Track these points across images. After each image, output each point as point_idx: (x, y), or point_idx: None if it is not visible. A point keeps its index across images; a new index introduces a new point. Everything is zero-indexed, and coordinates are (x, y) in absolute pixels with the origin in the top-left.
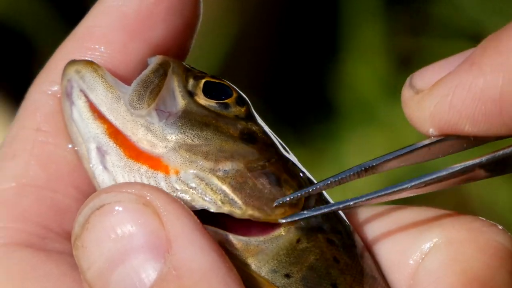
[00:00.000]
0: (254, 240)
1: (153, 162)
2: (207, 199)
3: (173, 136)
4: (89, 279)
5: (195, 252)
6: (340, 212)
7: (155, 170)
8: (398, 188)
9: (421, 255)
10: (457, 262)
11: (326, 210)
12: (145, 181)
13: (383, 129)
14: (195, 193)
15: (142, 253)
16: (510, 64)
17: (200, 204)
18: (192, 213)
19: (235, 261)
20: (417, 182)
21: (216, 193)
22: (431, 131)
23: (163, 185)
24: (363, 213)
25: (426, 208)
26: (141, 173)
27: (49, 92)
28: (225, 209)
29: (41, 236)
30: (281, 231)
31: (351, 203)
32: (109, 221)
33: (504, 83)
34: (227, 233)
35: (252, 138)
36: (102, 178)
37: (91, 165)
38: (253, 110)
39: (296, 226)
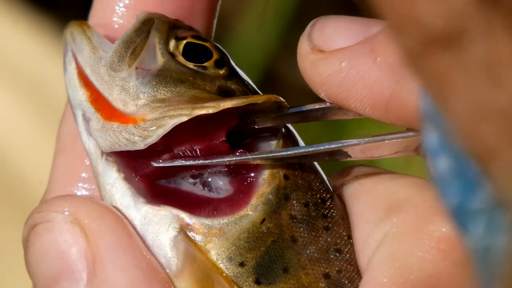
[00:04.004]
0: (218, 222)
1: (124, 118)
2: (177, 113)
3: (145, 95)
4: None
5: (115, 272)
6: (323, 176)
7: (125, 124)
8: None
9: (376, 245)
10: (393, 261)
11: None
12: (118, 136)
13: None
14: (167, 118)
15: (72, 276)
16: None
17: (172, 122)
18: (125, 225)
19: (196, 251)
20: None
21: (185, 108)
22: (322, 95)
23: (134, 132)
24: (354, 172)
25: (412, 179)
26: (114, 130)
27: None
28: (197, 111)
29: None
30: (248, 209)
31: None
32: (41, 242)
33: (397, 86)
34: (191, 215)
35: (229, 95)
36: (88, 146)
37: (80, 132)
38: (238, 70)
39: (265, 203)
